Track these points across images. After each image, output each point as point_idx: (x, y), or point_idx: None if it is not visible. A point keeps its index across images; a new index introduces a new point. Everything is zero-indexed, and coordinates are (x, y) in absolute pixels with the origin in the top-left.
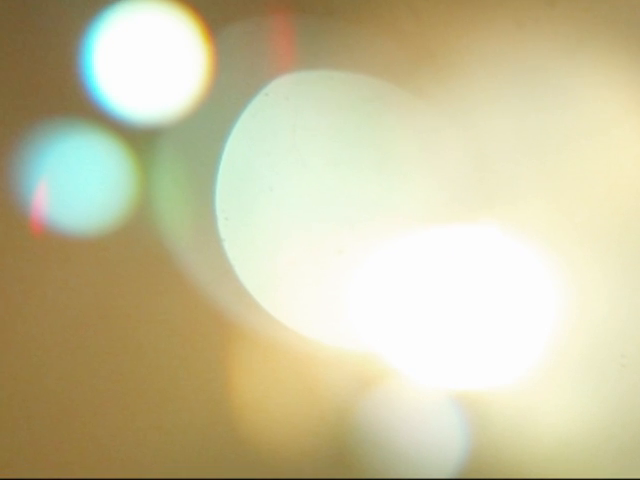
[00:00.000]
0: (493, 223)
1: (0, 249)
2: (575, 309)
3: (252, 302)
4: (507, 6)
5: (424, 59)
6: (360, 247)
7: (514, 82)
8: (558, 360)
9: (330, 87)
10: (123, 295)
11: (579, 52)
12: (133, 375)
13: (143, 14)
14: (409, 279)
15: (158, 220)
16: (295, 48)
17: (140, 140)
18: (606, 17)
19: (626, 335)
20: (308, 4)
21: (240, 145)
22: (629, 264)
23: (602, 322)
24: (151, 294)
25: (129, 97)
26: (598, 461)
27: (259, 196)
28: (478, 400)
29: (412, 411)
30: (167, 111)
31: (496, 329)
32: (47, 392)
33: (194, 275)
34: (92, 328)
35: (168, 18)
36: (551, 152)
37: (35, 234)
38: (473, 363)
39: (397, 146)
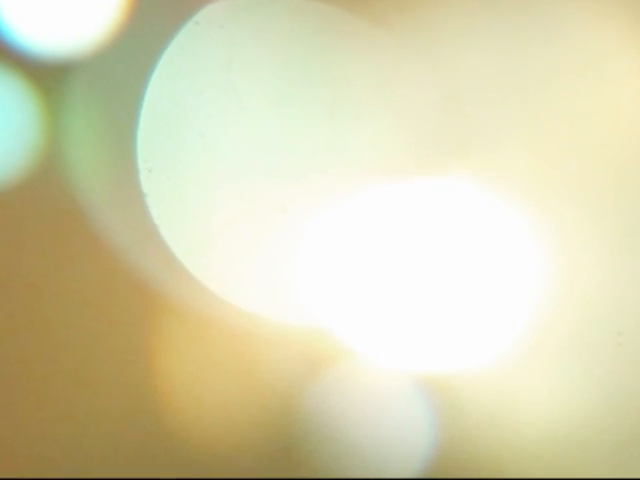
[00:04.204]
0: (466, 176)
1: None
2: (564, 277)
3: (180, 269)
4: None
5: None
6: (308, 204)
7: (491, 8)
8: (544, 338)
9: (272, 14)
10: (28, 260)
11: None
12: (39, 355)
13: None
14: (366, 242)
15: (69, 172)
16: None
17: (48, 77)
18: None
19: (623, 309)
20: None
21: (166, 83)
22: (627, 224)
23: (596, 293)
24: (61, 259)
25: (35, 26)
26: (591, 458)
27: (188, 143)
28: (448, 385)
29: (370, 399)
30: (79, 43)
31: (470, 301)
32: None
33: (111, 237)
34: None
35: None
36: (535, 91)
37: None
38: (442, 341)
39: (352, 84)
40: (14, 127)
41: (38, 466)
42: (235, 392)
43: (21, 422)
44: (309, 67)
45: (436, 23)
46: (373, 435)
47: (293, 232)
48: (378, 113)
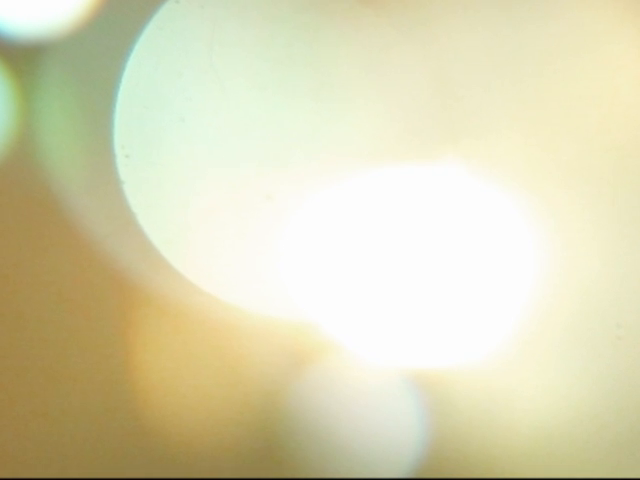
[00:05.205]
0: (459, 162)
1: None
2: (560, 268)
3: (159, 260)
4: None
5: None
6: (293, 192)
7: None
8: (539, 331)
9: None
10: (0, 250)
11: None
12: (12, 350)
13: None
14: (354, 231)
15: (43, 158)
16: None
17: (21, 59)
18: None
19: (623, 301)
20: None
21: (144, 65)
22: (626, 212)
23: (593, 284)
24: (34, 249)
25: (6, 6)
26: (589, 457)
27: (168, 128)
28: (439, 381)
29: (358, 395)
30: (53, 23)
31: (462, 292)
32: None
33: (87, 226)
34: None
35: None
36: (530, 74)
37: None
38: (433, 335)
39: (340, 66)
40: None
41: (10, 466)
42: (217, 388)
43: None
44: (294, 48)
45: (427, 3)
46: (361, 433)
47: (278, 221)
48: (366, 97)
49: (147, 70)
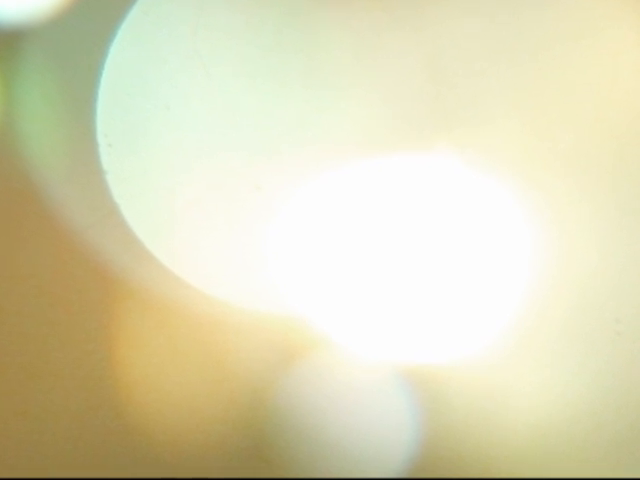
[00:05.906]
0: (453, 152)
1: None
2: (557, 261)
3: (142, 252)
4: None
5: None
6: (283, 182)
7: None
8: (536, 327)
9: None
10: None
11: None
12: None
13: None
14: (344, 223)
15: (23, 147)
16: None
17: (0, 45)
18: None
19: (622, 295)
20: None
21: (127, 51)
22: (626, 202)
23: (592, 278)
24: (13, 241)
25: None
26: (587, 456)
27: (152, 116)
28: (433, 378)
29: (349, 392)
30: (34, 8)
31: (457, 286)
32: None
33: (68, 217)
34: None
35: None
36: (527, 60)
37: None
38: (427, 330)
39: (330, 52)
40: None
41: None
42: (203, 385)
43: None
44: (284, 34)
45: None
46: (352, 432)
47: (267, 212)
48: (358, 84)
49: (130, 56)
